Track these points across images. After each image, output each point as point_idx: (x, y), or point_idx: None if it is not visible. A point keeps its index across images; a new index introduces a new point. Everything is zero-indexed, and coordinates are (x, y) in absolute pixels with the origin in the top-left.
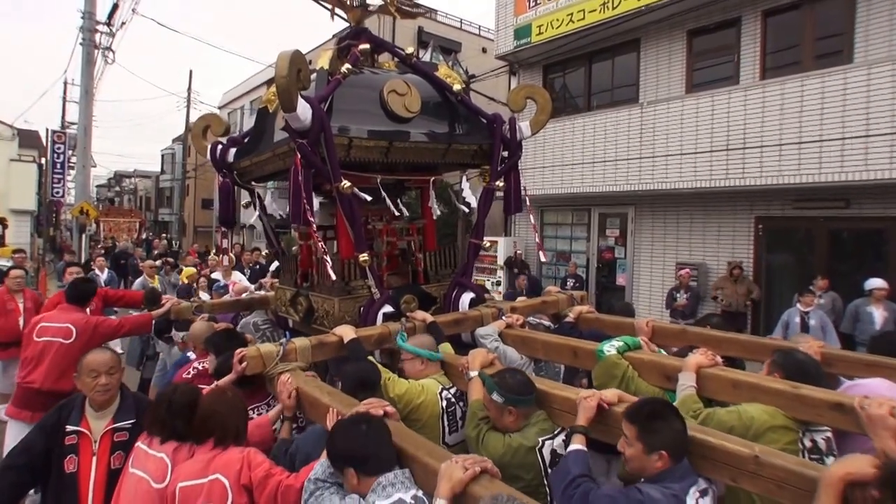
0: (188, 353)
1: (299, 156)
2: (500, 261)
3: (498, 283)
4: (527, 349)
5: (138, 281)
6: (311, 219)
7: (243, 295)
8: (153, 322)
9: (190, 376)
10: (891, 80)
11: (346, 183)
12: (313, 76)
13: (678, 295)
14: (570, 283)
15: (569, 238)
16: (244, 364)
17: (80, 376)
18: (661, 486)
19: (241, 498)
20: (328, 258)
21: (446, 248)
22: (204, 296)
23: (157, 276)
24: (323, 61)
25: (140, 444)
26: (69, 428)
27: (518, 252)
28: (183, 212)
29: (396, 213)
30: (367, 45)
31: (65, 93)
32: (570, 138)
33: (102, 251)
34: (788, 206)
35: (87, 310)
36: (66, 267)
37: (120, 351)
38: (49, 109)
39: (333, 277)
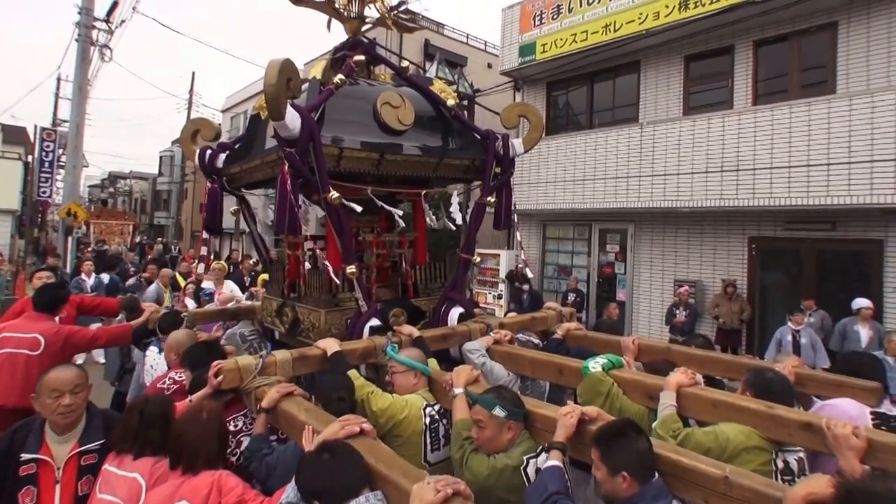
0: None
1: (287, 165)
2: (502, 274)
3: (499, 297)
4: (514, 366)
5: (151, 288)
6: (304, 227)
7: (230, 304)
8: (132, 333)
9: (165, 387)
10: (869, 111)
11: (334, 193)
12: (305, 86)
13: (677, 311)
14: (572, 297)
15: (570, 252)
16: (220, 378)
17: (38, 397)
18: None
19: None
20: (327, 262)
21: (437, 262)
22: (189, 303)
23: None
24: (316, 71)
25: (108, 467)
26: (25, 456)
27: (520, 265)
28: (180, 216)
29: (398, 220)
30: (362, 57)
31: (58, 89)
32: (573, 155)
33: (93, 255)
34: (780, 227)
35: (58, 318)
36: (35, 272)
37: (102, 361)
38: (41, 106)
39: (338, 281)
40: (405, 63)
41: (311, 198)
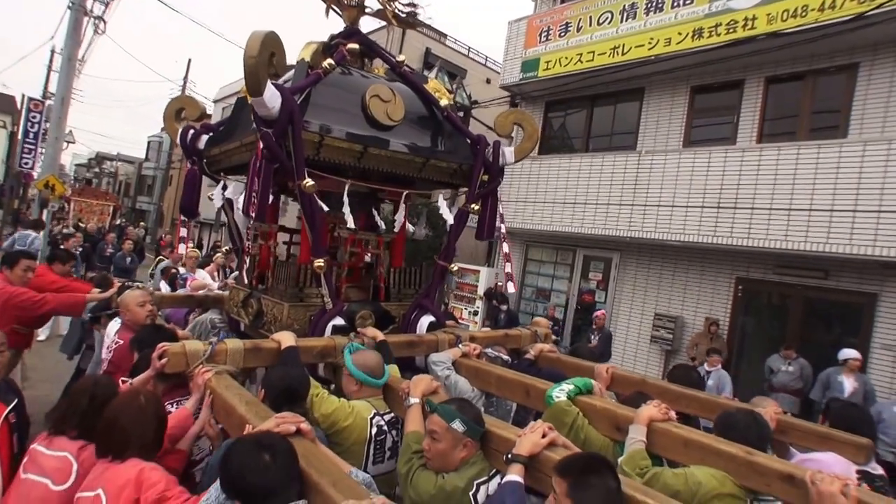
0: None
1: (262, 146)
2: (481, 290)
3: (475, 313)
4: (480, 382)
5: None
6: (251, 214)
7: (200, 292)
8: (85, 305)
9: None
10: (884, 159)
11: (308, 181)
12: (292, 71)
13: (592, 337)
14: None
15: (551, 276)
16: (164, 360)
17: None
18: None
19: None
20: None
21: (413, 267)
22: (164, 287)
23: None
24: (306, 53)
25: (37, 446)
26: None
27: (499, 284)
28: (163, 202)
29: (350, 225)
30: (356, 46)
31: (51, 61)
32: (565, 177)
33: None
34: (770, 271)
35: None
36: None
37: (41, 338)
38: (35, 76)
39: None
40: (401, 57)
41: (287, 185)
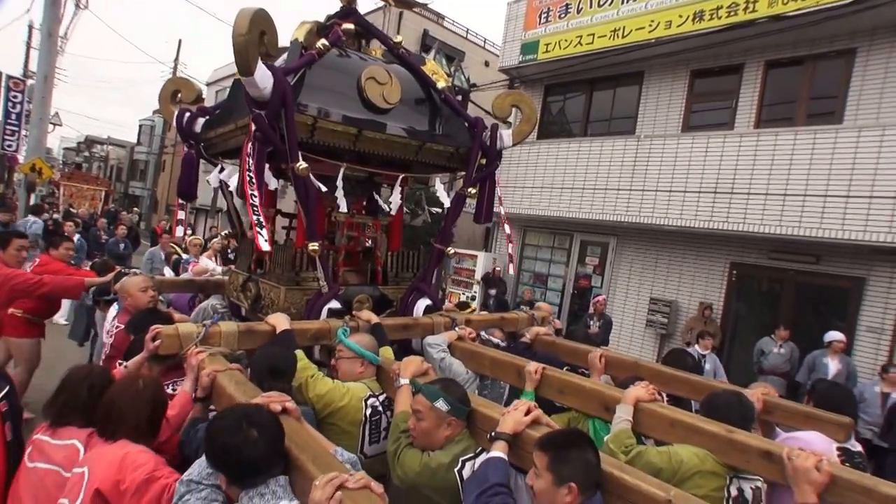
0: None
1: (254, 127)
2: (478, 275)
3: (473, 298)
4: (474, 364)
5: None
6: (252, 193)
7: (203, 277)
8: (84, 288)
9: (111, 338)
10: (877, 145)
11: (302, 164)
12: (286, 53)
13: (591, 322)
14: (524, 309)
15: (548, 261)
16: (157, 342)
17: None
18: None
19: (93, 500)
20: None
21: (411, 251)
22: (167, 272)
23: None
24: (299, 33)
25: (40, 437)
26: None
27: (497, 269)
28: (156, 188)
29: (343, 209)
30: (351, 26)
31: (29, 37)
32: (563, 162)
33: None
34: (763, 256)
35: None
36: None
37: (64, 322)
38: (12, 54)
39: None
40: (398, 38)
41: (281, 168)
